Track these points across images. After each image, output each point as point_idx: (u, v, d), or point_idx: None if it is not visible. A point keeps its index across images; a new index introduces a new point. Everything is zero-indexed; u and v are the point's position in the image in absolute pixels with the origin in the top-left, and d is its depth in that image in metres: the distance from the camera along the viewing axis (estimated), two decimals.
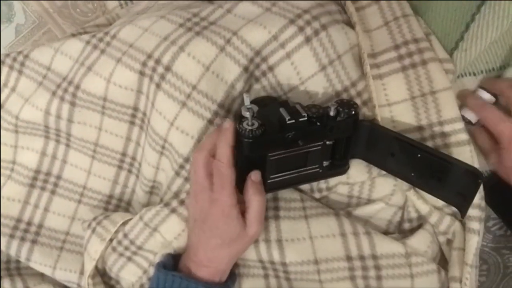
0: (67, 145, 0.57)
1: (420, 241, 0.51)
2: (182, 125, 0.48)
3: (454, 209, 0.51)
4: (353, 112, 0.46)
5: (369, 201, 0.53)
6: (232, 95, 0.49)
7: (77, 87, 0.52)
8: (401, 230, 0.55)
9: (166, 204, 0.50)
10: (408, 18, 0.51)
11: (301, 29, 0.47)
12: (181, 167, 0.50)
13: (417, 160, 0.47)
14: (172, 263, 0.49)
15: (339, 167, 0.51)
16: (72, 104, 0.53)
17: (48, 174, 0.58)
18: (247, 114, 0.43)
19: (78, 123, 0.55)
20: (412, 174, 0.48)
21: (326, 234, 0.50)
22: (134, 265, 0.52)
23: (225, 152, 0.44)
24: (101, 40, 0.53)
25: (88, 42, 0.53)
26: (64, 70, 0.54)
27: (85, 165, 0.57)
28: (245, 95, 0.43)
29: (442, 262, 0.54)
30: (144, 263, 0.52)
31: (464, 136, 0.49)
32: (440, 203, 0.51)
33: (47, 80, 0.55)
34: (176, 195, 0.52)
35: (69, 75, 0.54)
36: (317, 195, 0.54)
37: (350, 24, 0.52)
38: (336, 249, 0.50)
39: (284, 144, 0.45)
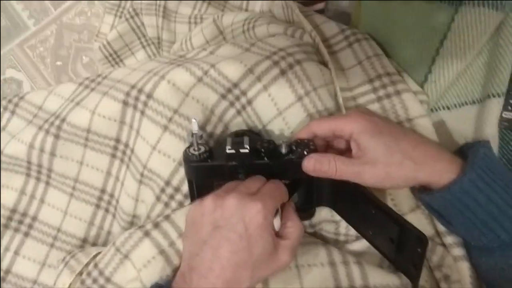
0: (47, 183, 0.55)
1: None
2: (163, 148, 0.47)
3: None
4: (305, 153, 0.43)
5: (358, 238, 0.49)
6: (213, 120, 0.49)
7: (63, 120, 0.52)
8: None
9: (140, 227, 0.46)
10: (379, 57, 0.54)
11: (276, 63, 0.49)
12: (162, 191, 0.48)
13: (372, 218, 0.44)
14: (168, 285, 0.41)
15: (303, 211, 0.46)
16: (56, 136, 0.53)
17: (24, 214, 0.54)
18: (193, 140, 0.42)
19: (60, 157, 0.53)
20: (370, 233, 0.45)
21: (313, 263, 0.45)
22: None
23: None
24: (93, 81, 0.55)
25: (81, 84, 0.55)
26: (54, 108, 0.55)
27: (62, 205, 0.54)
28: (193, 120, 0.42)
29: None
30: None
31: None
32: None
33: (37, 118, 0.55)
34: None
35: (57, 111, 0.54)
36: None
37: (326, 66, 0.55)
38: (325, 279, 0.44)
39: (228, 174, 0.43)
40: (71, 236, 0.54)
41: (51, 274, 0.51)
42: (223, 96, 0.49)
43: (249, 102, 0.49)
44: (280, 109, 0.49)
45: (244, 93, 0.49)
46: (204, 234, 0.39)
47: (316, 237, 0.49)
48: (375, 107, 0.51)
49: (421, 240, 0.38)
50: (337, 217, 0.48)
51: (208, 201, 0.40)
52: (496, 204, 0.39)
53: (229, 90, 0.49)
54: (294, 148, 0.43)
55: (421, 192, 0.44)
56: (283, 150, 0.43)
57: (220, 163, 0.43)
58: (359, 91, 0.52)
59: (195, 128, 0.42)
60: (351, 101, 0.51)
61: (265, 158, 0.43)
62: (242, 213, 0.38)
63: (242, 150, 0.42)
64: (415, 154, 0.41)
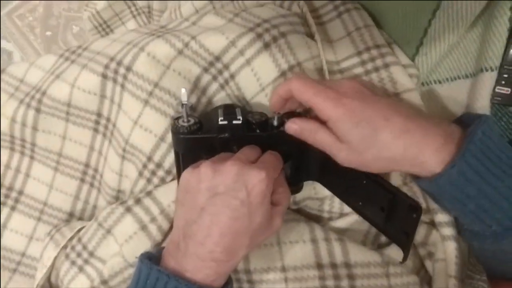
0: (31, 157, 0.54)
1: (399, 252, 0.45)
2: (145, 123, 0.46)
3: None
4: None
5: (342, 215, 0.48)
6: (196, 93, 0.47)
7: (43, 93, 0.51)
8: (379, 244, 0.48)
9: (122, 203, 0.45)
10: (369, 28, 0.51)
11: (259, 35, 0.46)
12: (144, 166, 0.46)
13: (362, 188, 0.42)
14: (159, 254, 0.39)
15: (291, 185, 0.44)
16: (38, 110, 0.51)
17: (10, 188, 0.53)
18: (182, 110, 0.40)
19: (42, 131, 0.52)
20: (360, 203, 0.44)
21: (295, 239, 0.44)
22: (84, 276, 0.45)
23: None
24: (73, 52, 0.53)
25: (61, 55, 0.53)
26: (35, 81, 0.53)
27: (47, 179, 0.53)
28: (182, 90, 0.40)
29: (427, 279, 0.47)
30: (93, 273, 0.45)
31: None
32: None
33: (18, 91, 0.54)
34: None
35: (38, 84, 0.52)
36: None
37: (312, 38, 0.52)
38: (306, 255, 0.43)
39: (219, 146, 0.41)
40: (58, 210, 0.53)
41: (39, 247, 0.51)
42: (205, 70, 0.46)
43: (232, 76, 0.46)
44: (263, 84, 0.46)
45: (226, 67, 0.46)
46: (201, 201, 0.37)
47: (300, 214, 0.48)
48: None
49: (414, 208, 0.38)
50: (321, 195, 0.47)
51: (205, 167, 0.37)
52: (487, 196, 0.37)
53: (211, 64, 0.46)
54: (286, 120, 0.42)
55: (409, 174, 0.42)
56: (275, 122, 0.42)
57: (211, 135, 0.41)
58: (347, 65, 0.49)
59: (184, 98, 0.40)
60: (337, 75, 0.49)
61: (257, 130, 0.41)
62: (244, 180, 0.36)
63: (234, 122, 0.41)
64: (394, 148, 0.37)
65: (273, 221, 0.39)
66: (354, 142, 0.38)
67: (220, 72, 0.47)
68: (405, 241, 0.40)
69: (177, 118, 0.41)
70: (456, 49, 0.50)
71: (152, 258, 0.38)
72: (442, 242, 0.44)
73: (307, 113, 0.46)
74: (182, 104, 0.40)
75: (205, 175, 0.37)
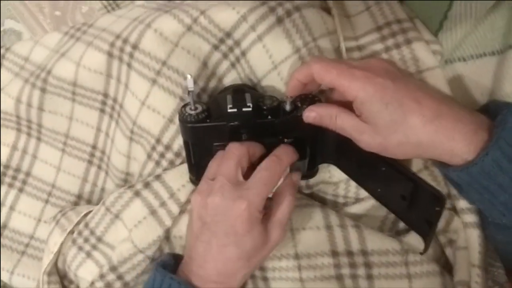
0: (38, 138, 0.51)
1: (419, 239, 0.42)
2: (153, 103, 0.43)
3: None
4: None
5: (357, 200, 0.45)
6: (206, 73, 0.44)
7: (48, 72, 0.48)
8: (397, 231, 0.45)
9: (130, 187, 0.43)
10: (390, 2, 0.47)
11: (272, 9, 0.42)
12: (153, 148, 0.44)
13: (381, 175, 0.39)
14: (173, 263, 0.41)
15: (307, 169, 0.42)
16: (43, 90, 0.49)
17: (17, 170, 0.52)
18: (189, 98, 0.37)
19: (49, 112, 0.50)
20: (379, 190, 0.41)
21: (309, 226, 0.42)
22: (93, 262, 0.44)
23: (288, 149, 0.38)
24: (78, 29, 0.50)
25: (66, 33, 0.50)
26: (40, 59, 0.51)
27: (55, 161, 0.51)
28: (188, 77, 0.37)
29: (448, 268, 0.44)
30: (102, 259, 0.43)
31: None
32: None
33: (23, 70, 0.51)
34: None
35: (43, 63, 0.50)
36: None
37: (329, 12, 0.48)
38: (320, 242, 0.41)
39: (228, 135, 0.38)
40: (66, 192, 0.51)
41: (47, 230, 0.49)
42: (216, 47, 0.43)
43: (243, 53, 0.43)
44: (275, 62, 0.43)
45: (237, 43, 0.43)
46: (196, 228, 0.38)
47: (313, 199, 0.45)
48: (383, 57, 0.45)
49: (438, 199, 0.35)
50: (336, 178, 0.44)
51: (195, 196, 0.38)
52: None
53: (222, 41, 0.43)
54: (299, 104, 0.39)
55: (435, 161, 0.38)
56: (287, 107, 0.38)
57: (220, 123, 0.38)
58: (365, 41, 0.45)
59: (190, 85, 0.37)
60: (355, 52, 0.45)
61: (269, 116, 0.38)
62: (225, 213, 0.35)
63: (244, 109, 0.38)
64: (423, 133, 0.34)
65: (270, 235, 0.37)
66: (380, 124, 0.35)
67: (231, 49, 0.44)
68: (427, 230, 0.37)
69: (184, 106, 0.38)
70: (483, 23, 0.45)
71: (167, 266, 0.40)
72: (464, 229, 0.41)
73: (321, 94, 0.42)
74: (188, 91, 0.37)
75: (196, 204, 0.38)
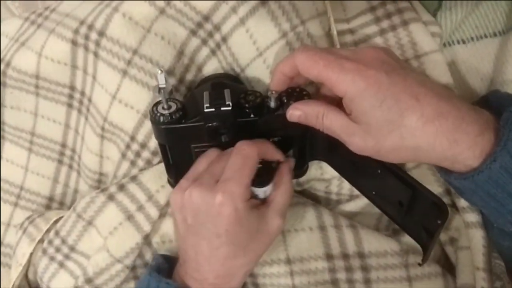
0: (2, 137, 0.46)
1: None
2: (125, 97, 0.38)
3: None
4: None
5: (352, 197, 0.41)
6: (183, 62, 0.38)
7: (7, 64, 0.42)
8: (394, 230, 0.42)
9: (103, 190, 0.38)
10: None
11: None
12: (127, 147, 0.39)
13: (377, 177, 0.35)
14: (167, 267, 0.37)
15: (296, 168, 0.38)
16: (3, 84, 0.43)
17: None
18: (160, 96, 0.32)
19: (11, 108, 0.44)
20: (374, 193, 0.37)
21: (301, 227, 0.38)
22: (67, 273, 0.39)
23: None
24: (40, 15, 0.44)
25: (27, 19, 0.44)
26: None
27: (21, 161, 0.46)
28: (158, 71, 0.31)
29: (447, 267, 0.40)
30: (77, 270, 0.39)
31: None
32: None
33: None
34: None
35: (2, 53, 0.44)
36: None
37: None
38: (313, 245, 0.37)
39: (206, 137, 0.33)
40: (36, 194, 0.46)
41: (15, 237, 0.44)
42: (193, 32, 0.38)
43: (224, 39, 0.38)
44: (260, 48, 0.38)
45: (217, 28, 0.38)
46: (182, 230, 0.34)
47: (305, 197, 0.41)
48: (376, 41, 0.40)
49: (440, 209, 0.31)
50: (328, 175, 0.40)
51: (175, 194, 0.34)
52: None
53: (200, 25, 0.38)
54: (285, 100, 0.34)
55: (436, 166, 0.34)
56: (272, 104, 0.33)
57: (196, 123, 0.33)
58: (358, 23, 0.41)
59: (161, 81, 0.31)
60: (347, 35, 0.40)
61: (252, 115, 0.33)
62: (207, 211, 0.31)
63: (223, 108, 0.32)
64: (422, 135, 0.29)
65: (269, 225, 0.33)
66: (373, 125, 0.30)
67: (211, 34, 0.38)
68: (425, 238, 0.33)
69: (156, 105, 0.33)
70: (483, 3, 0.41)
71: (161, 270, 0.36)
72: (466, 229, 0.37)
73: (311, 86, 0.37)
74: (159, 88, 0.32)
75: (176, 205, 0.34)
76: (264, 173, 0.34)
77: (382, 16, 0.40)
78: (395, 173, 0.33)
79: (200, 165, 0.34)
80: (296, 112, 0.33)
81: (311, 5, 0.39)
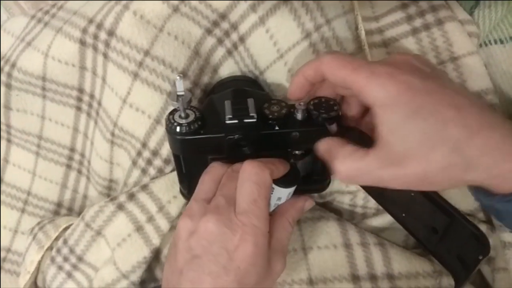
0: (9, 140, 0.42)
1: None
2: (136, 101, 0.34)
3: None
4: (330, 118, 0.29)
5: (379, 211, 0.36)
6: (199, 63, 0.34)
7: (13, 65, 0.38)
8: None
9: (112, 199, 0.34)
10: None
11: None
12: (139, 154, 0.35)
13: (409, 199, 0.30)
14: None
15: (317, 183, 0.33)
16: (8, 86, 0.39)
17: None
18: (178, 104, 0.27)
19: (17, 110, 0.40)
20: (403, 215, 0.32)
21: (324, 244, 0.33)
22: (74, 284, 0.36)
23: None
24: (47, 12, 0.40)
25: (33, 17, 0.40)
26: (4, 49, 0.41)
27: (29, 165, 0.42)
28: (177, 78, 0.27)
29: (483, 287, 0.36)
30: (84, 281, 0.35)
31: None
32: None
33: None
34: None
35: (7, 53, 0.40)
36: None
37: None
38: (338, 264, 0.33)
39: (226, 149, 0.29)
40: (43, 200, 0.43)
41: (25, 242, 0.41)
42: (209, 31, 0.33)
43: (241, 39, 0.33)
44: (281, 50, 0.33)
45: (234, 27, 0.33)
46: (180, 262, 0.27)
47: (328, 209, 0.36)
48: (408, 42, 0.35)
49: (482, 244, 0.26)
50: (353, 187, 0.35)
51: (183, 220, 0.28)
52: None
53: (216, 23, 0.33)
54: (313, 111, 0.29)
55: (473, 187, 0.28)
56: (299, 116, 0.29)
57: (217, 135, 0.28)
58: (388, 21, 0.36)
59: (180, 88, 0.27)
60: (376, 35, 0.36)
61: (276, 127, 0.29)
62: (224, 243, 0.26)
63: (247, 120, 0.28)
64: (469, 148, 0.24)
65: (271, 267, 0.27)
66: (410, 139, 0.24)
67: (227, 33, 0.34)
68: (460, 270, 0.29)
69: (172, 113, 0.29)
70: None
71: None
72: (503, 249, 0.32)
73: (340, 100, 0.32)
74: (177, 96, 0.27)
75: (182, 231, 0.27)
76: (290, 171, 0.29)
77: (414, 14, 0.35)
78: (431, 198, 0.28)
79: (207, 184, 0.29)
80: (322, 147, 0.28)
81: (337, 3, 0.34)
